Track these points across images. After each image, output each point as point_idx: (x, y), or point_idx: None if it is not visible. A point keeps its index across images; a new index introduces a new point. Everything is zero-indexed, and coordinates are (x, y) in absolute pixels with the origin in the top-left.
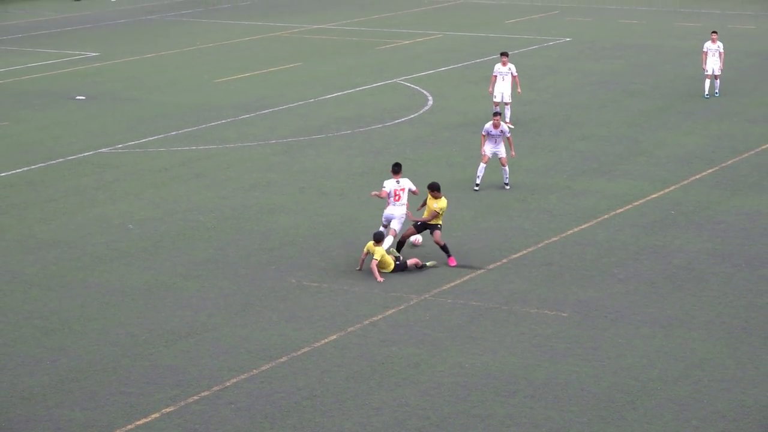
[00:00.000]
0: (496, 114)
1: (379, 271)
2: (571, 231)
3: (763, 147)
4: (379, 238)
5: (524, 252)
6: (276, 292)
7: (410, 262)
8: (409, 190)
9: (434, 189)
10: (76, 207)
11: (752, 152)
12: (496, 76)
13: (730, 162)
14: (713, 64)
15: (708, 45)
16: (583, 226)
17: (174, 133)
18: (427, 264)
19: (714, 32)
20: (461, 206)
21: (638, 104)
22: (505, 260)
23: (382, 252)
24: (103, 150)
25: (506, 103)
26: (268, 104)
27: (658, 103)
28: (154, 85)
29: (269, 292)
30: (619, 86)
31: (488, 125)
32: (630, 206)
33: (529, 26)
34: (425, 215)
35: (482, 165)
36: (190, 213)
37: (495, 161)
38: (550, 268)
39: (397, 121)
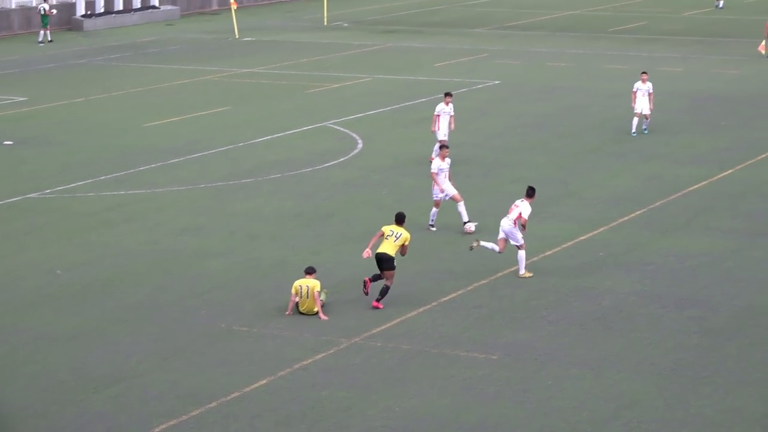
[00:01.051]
0: (443, 147)
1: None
2: (501, 273)
3: (692, 188)
4: (311, 271)
5: (454, 295)
6: (206, 337)
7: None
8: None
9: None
10: (6, 252)
11: (680, 194)
12: (439, 115)
13: (658, 203)
14: (643, 104)
15: (638, 85)
16: (513, 269)
17: (103, 177)
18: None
19: (644, 73)
20: None
21: (567, 146)
22: (434, 303)
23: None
24: (32, 195)
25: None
26: (198, 148)
27: (587, 145)
28: (83, 130)
29: (199, 336)
30: (549, 128)
31: (437, 162)
32: (559, 248)
33: (458, 69)
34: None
35: (435, 210)
36: (119, 257)
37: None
38: (480, 310)
39: (327, 164)
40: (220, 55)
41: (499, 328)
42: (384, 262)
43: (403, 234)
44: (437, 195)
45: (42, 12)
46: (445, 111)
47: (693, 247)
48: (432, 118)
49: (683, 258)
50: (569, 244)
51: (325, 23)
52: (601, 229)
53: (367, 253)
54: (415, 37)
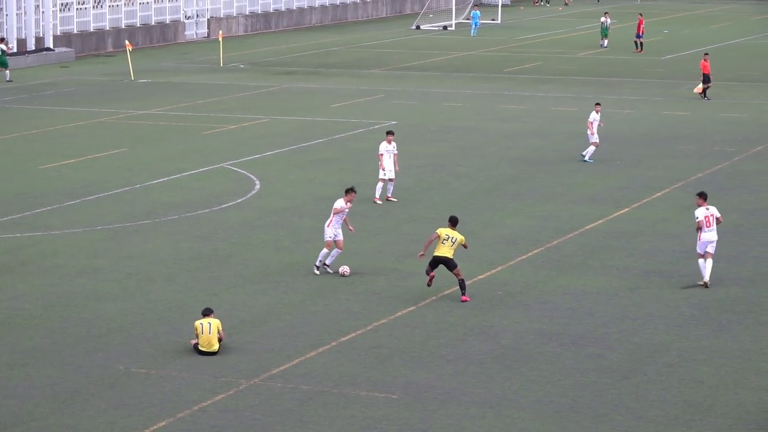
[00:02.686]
0: (350, 192)
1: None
2: (399, 313)
3: (588, 227)
4: (207, 312)
5: (353, 335)
6: (104, 380)
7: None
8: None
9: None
10: None
11: (577, 232)
12: (383, 155)
13: (555, 242)
14: (594, 133)
15: (593, 115)
16: (411, 308)
17: None
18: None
19: (597, 104)
20: (290, 290)
21: (464, 186)
22: (334, 343)
23: (217, 323)
24: None
25: (391, 180)
26: (94, 190)
27: (483, 184)
28: None
29: (97, 379)
30: (446, 168)
31: (340, 201)
32: (457, 287)
33: (354, 110)
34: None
35: (325, 250)
36: (15, 301)
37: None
38: (379, 350)
39: (224, 205)
40: (116, 97)
41: (398, 367)
42: (447, 263)
43: (457, 238)
44: (328, 236)
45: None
46: (388, 150)
47: (590, 285)
48: (378, 158)
49: (580, 296)
50: (467, 283)
51: (222, 64)
52: (499, 268)
53: (421, 254)
54: (312, 79)
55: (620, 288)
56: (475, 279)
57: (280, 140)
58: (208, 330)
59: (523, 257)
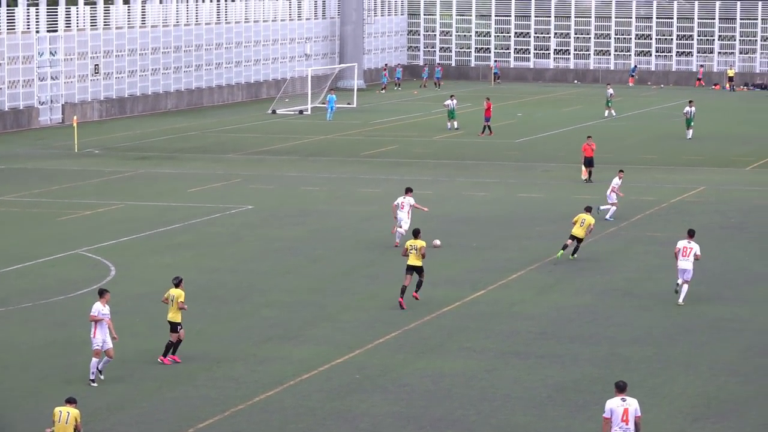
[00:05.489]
0: (105, 293)
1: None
2: (257, 398)
3: (445, 309)
4: (71, 401)
5: (211, 421)
6: None
7: None
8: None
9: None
10: None
11: (434, 315)
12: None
13: (413, 325)
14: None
15: (616, 180)
16: (269, 393)
17: None
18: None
19: (621, 171)
20: (146, 377)
21: (322, 270)
22: (191, 430)
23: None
24: None
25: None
26: None
27: (341, 268)
28: None
29: None
30: (303, 252)
31: (97, 305)
32: (316, 371)
33: (211, 194)
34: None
35: (95, 360)
36: None
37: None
38: None
39: (79, 292)
40: None
41: None
42: (416, 269)
43: (418, 244)
44: (96, 344)
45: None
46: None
47: (447, 367)
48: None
49: (438, 378)
50: (325, 367)
51: (77, 150)
52: (357, 351)
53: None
54: (168, 163)
55: (478, 370)
56: (332, 363)
57: (136, 225)
58: (66, 419)
59: (381, 340)
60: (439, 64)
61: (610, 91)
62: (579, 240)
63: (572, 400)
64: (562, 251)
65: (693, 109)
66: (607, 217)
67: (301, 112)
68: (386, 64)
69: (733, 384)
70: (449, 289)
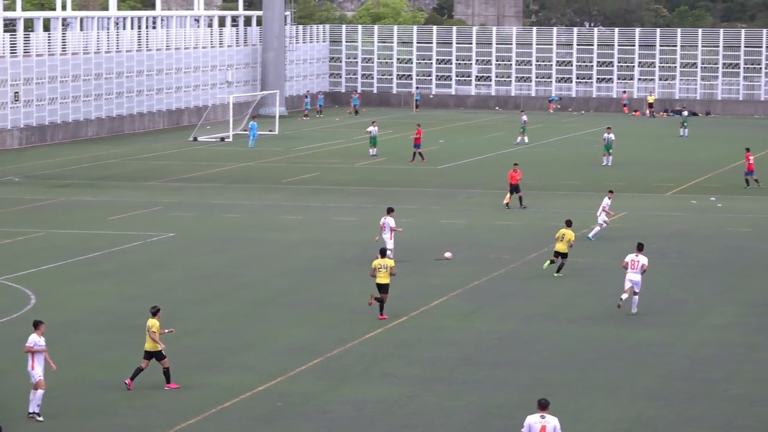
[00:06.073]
0: (40, 325)
1: None
2: (179, 426)
3: (368, 336)
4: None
5: None
6: None
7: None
8: None
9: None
10: None
11: (357, 342)
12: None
13: (335, 352)
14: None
15: (606, 201)
16: (191, 421)
17: None
18: None
19: (610, 191)
20: (66, 406)
21: (244, 297)
22: None
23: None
24: None
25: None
26: None
27: (263, 295)
28: None
29: None
30: (225, 279)
31: (33, 337)
32: (238, 399)
33: (132, 222)
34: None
35: (40, 391)
36: None
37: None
38: None
39: None
40: None
41: None
42: (383, 288)
43: (388, 263)
44: (37, 376)
45: None
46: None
47: (370, 394)
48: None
49: (361, 405)
50: (247, 394)
51: None
52: (279, 379)
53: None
54: (89, 191)
55: (400, 396)
56: (254, 390)
57: (56, 254)
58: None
59: (304, 367)
60: (356, 91)
61: (524, 117)
62: (564, 255)
63: (495, 425)
64: (548, 263)
65: (612, 135)
66: (590, 236)
67: (222, 139)
68: (308, 91)
69: (653, 408)
70: (371, 316)
